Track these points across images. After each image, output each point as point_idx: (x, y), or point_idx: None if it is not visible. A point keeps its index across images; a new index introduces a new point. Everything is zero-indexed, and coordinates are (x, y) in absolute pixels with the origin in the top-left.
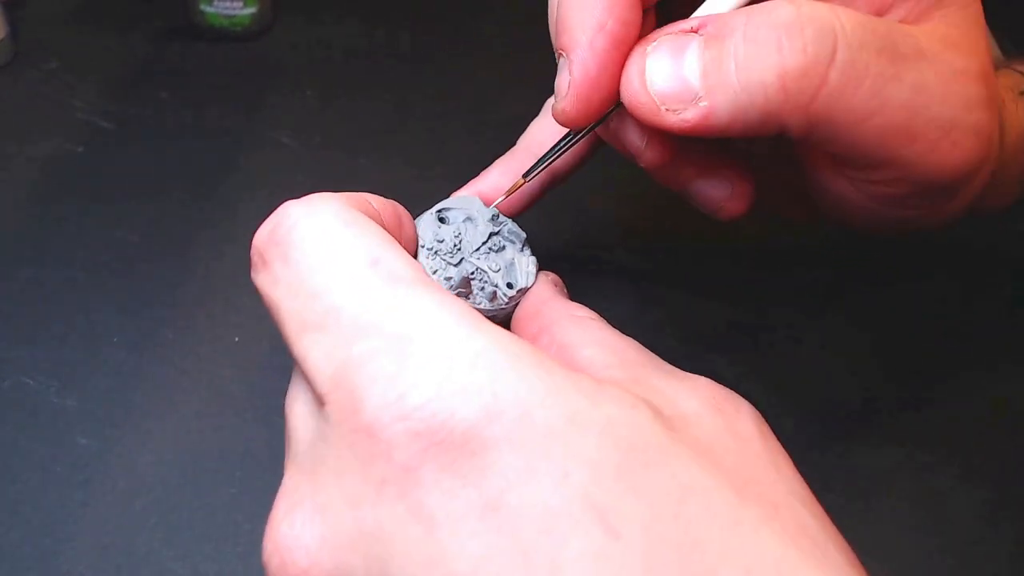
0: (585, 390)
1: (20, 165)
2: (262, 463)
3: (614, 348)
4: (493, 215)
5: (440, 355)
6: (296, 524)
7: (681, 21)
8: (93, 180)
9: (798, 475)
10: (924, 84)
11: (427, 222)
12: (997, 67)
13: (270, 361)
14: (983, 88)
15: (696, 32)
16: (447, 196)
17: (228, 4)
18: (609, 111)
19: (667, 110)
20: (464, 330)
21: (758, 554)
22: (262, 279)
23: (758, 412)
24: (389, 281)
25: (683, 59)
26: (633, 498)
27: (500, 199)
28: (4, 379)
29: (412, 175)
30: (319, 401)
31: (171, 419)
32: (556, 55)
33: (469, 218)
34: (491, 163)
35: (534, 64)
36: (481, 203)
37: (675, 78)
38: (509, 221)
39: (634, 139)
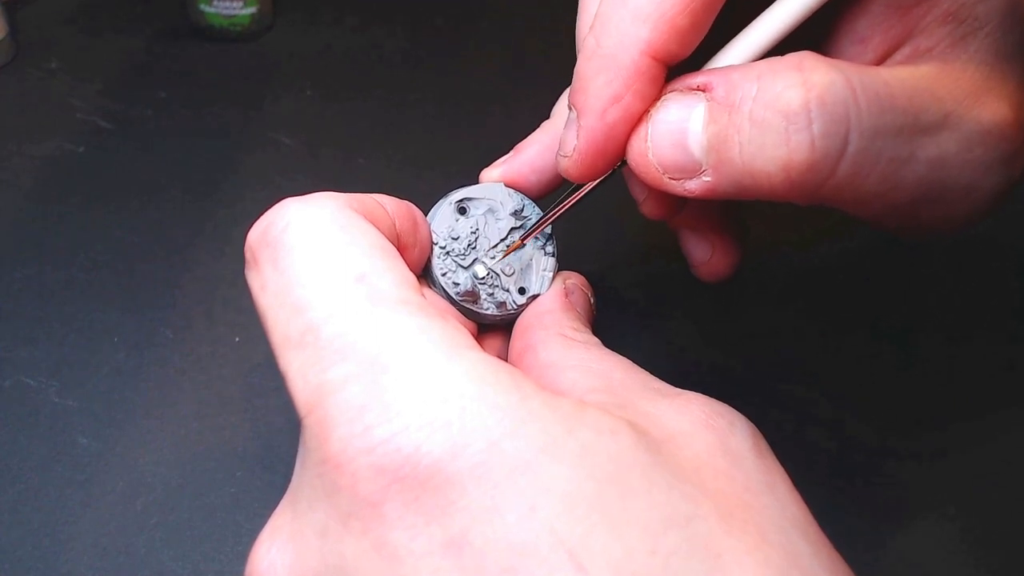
0: (562, 416)
1: (20, 165)
2: (262, 463)
3: (599, 370)
4: (516, 208)
5: (411, 387)
6: (273, 549)
7: (690, 75)
8: (93, 180)
9: (794, 494)
10: (943, 157)
11: (445, 214)
12: None
13: (270, 361)
14: (1010, 142)
15: (704, 91)
16: (446, 195)
17: (228, 4)
18: (615, 169)
19: (670, 178)
20: (440, 359)
21: None
22: (252, 279)
23: (754, 427)
24: (372, 300)
25: (688, 128)
26: (606, 531)
27: (500, 255)
28: (4, 379)
29: (411, 175)
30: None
31: (171, 419)
32: (568, 104)
33: (491, 210)
34: (491, 163)
35: (534, 64)
36: (506, 191)
37: (679, 149)
38: (534, 213)
39: (635, 190)
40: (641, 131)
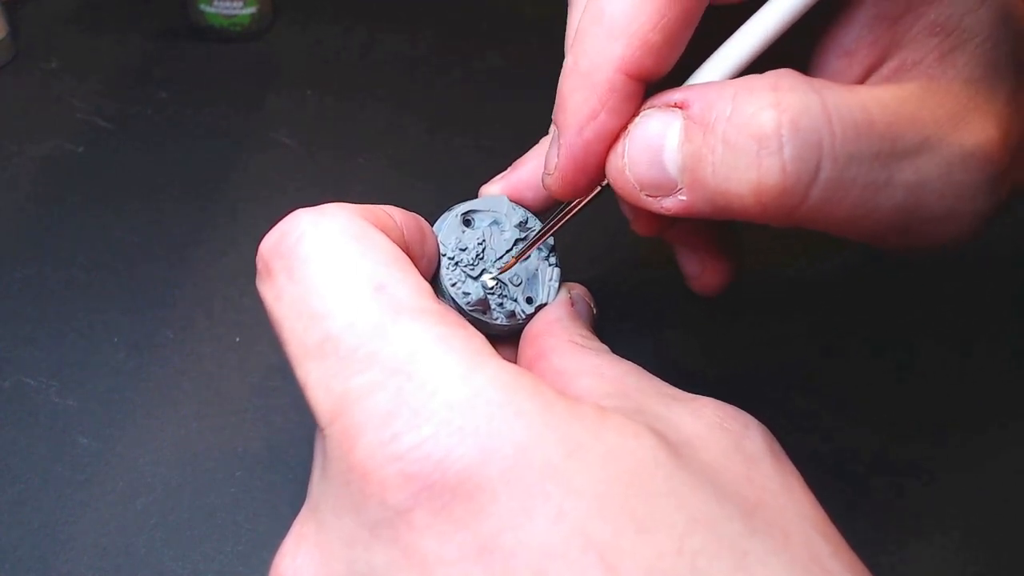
0: (586, 422)
1: (20, 165)
2: (262, 463)
3: (612, 377)
4: (521, 220)
5: (436, 395)
6: (298, 558)
7: (670, 92)
8: (93, 180)
9: (810, 496)
10: (921, 182)
11: (451, 226)
12: None
13: (270, 361)
14: (994, 165)
15: (682, 108)
16: (445, 196)
17: (228, 4)
18: (601, 187)
19: (647, 196)
20: (463, 367)
21: None
22: (266, 290)
23: (767, 430)
24: (391, 310)
25: (664, 146)
26: (634, 533)
27: (501, 265)
28: (4, 379)
29: (411, 175)
30: (320, 430)
31: (171, 419)
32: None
33: (496, 222)
34: (489, 164)
35: (534, 65)
36: (509, 204)
37: (655, 167)
38: (538, 225)
39: (625, 208)
40: (619, 147)
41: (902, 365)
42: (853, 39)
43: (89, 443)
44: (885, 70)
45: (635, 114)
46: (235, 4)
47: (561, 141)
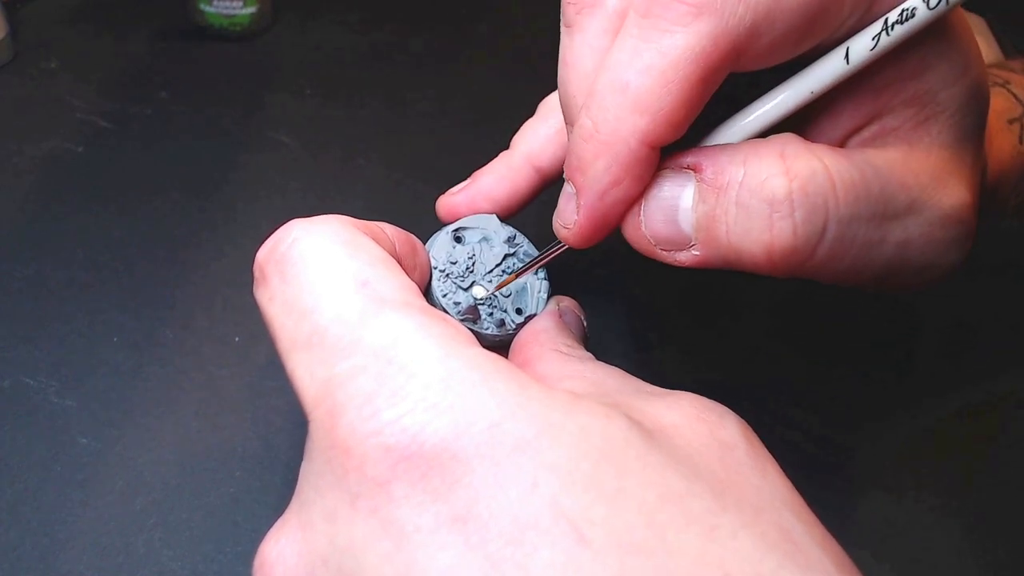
0: (559, 402)
1: (20, 165)
2: (262, 463)
3: (594, 379)
4: (509, 236)
5: (415, 376)
6: (281, 541)
7: (681, 154)
8: (93, 180)
9: (786, 480)
10: (908, 240)
11: (442, 242)
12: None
13: (270, 361)
14: (966, 225)
15: (694, 171)
16: (442, 227)
17: (228, 4)
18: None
19: (662, 250)
20: (442, 351)
21: (736, 559)
22: (261, 294)
23: (744, 422)
24: (375, 303)
25: (678, 206)
26: (605, 506)
27: (497, 280)
28: (4, 379)
29: (411, 175)
30: (306, 419)
31: (171, 419)
32: (564, 177)
33: (485, 239)
34: (488, 164)
35: (533, 65)
36: (498, 222)
37: (670, 225)
38: (525, 242)
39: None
40: (635, 206)
41: (896, 370)
42: (841, 103)
43: (89, 443)
44: (867, 132)
45: (650, 177)
46: (235, 4)
47: (581, 202)
